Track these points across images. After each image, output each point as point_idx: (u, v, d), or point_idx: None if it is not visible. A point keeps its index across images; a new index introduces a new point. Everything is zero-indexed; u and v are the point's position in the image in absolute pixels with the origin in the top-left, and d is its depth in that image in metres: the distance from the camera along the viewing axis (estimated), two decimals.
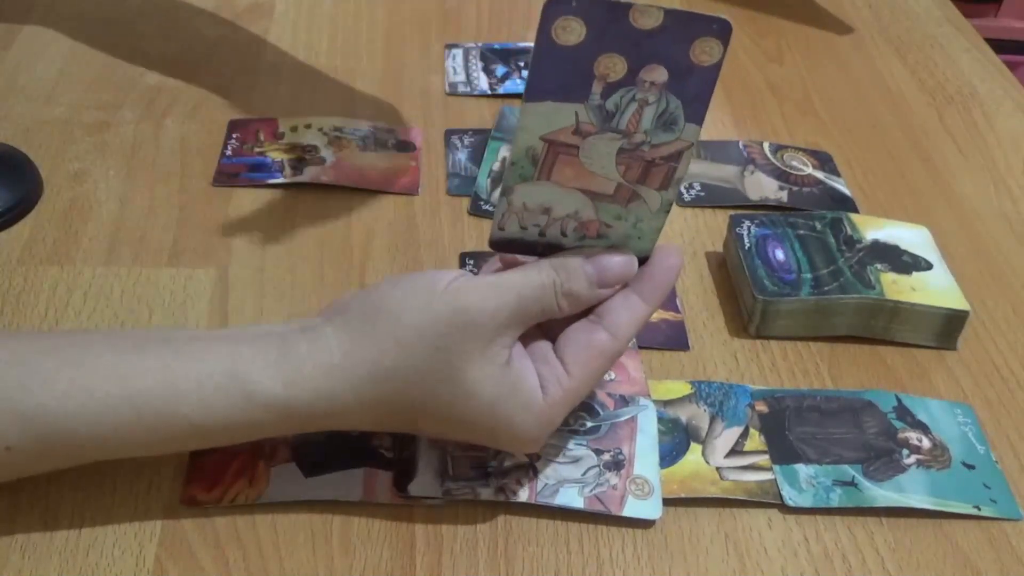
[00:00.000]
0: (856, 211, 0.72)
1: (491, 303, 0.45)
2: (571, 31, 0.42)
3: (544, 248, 0.49)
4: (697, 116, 0.45)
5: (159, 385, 0.45)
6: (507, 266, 0.49)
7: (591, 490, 0.51)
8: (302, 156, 0.72)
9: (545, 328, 0.49)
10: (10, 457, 0.45)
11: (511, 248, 0.49)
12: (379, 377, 0.45)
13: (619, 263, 0.48)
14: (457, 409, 0.46)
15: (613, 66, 0.43)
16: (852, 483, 0.53)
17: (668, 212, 0.48)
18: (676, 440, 0.55)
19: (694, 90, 0.44)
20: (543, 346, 0.48)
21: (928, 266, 0.63)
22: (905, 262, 0.63)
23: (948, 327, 0.62)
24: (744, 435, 0.55)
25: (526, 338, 0.48)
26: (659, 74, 0.43)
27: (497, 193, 0.70)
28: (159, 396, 0.45)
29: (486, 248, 0.50)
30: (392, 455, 0.52)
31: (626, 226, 0.48)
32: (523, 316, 0.46)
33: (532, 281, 0.47)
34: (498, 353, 0.46)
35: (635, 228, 0.48)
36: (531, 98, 0.44)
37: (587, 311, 0.49)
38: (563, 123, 0.45)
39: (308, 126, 0.75)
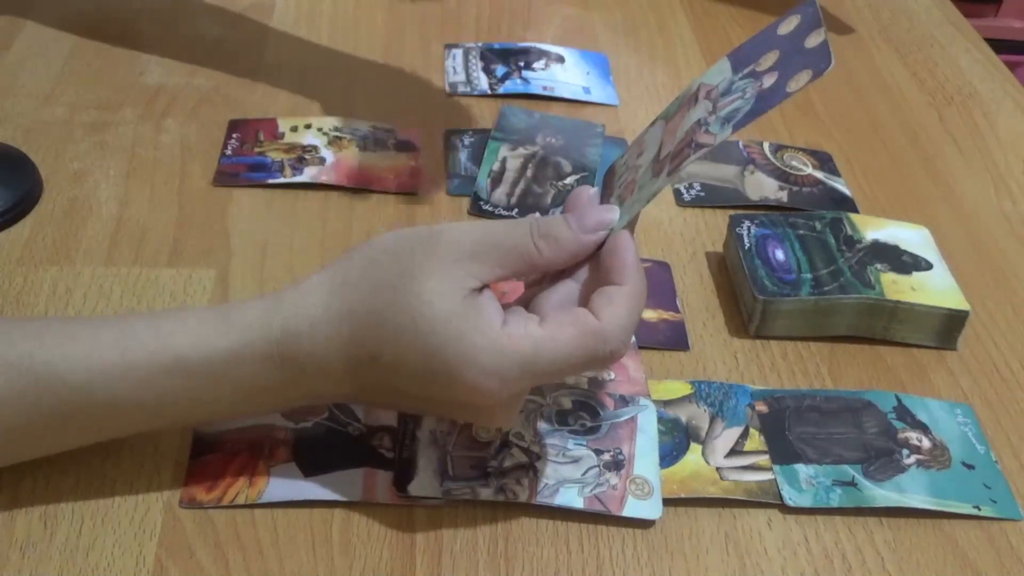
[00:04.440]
0: (856, 211, 0.72)
1: (459, 227, 0.46)
2: (790, 24, 0.47)
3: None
4: (741, 124, 0.45)
5: (145, 326, 0.47)
6: None
7: (591, 490, 0.51)
8: (302, 156, 0.72)
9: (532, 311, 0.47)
10: None
11: (605, 180, 0.51)
12: (346, 287, 0.46)
13: (597, 205, 0.48)
14: (413, 320, 0.44)
15: (767, 60, 0.46)
16: (852, 483, 0.53)
17: (658, 192, 0.47)
18: (676, 440, 0.55)
19: (763, 105, 0.45)
20: (520, 308, 0.47)
21: (928, 266, 0.64)
22: (905, 262, 0.63)
23: (948, 327, 0.62)
24: (744, 435, 0.55)
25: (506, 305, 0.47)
26: (770, 80, 0.45)
27: (497, 193, 0.70)
28: (145, 334, 0.46)
29: None
30: (392, 455, 0.52)
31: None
32: (494, 251, 0.46)
33: (508, 221, 0.47)
34: (462, 279, 0.45)
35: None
36: (729, 56, 0.49)
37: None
38: (716, 80, 0.48)
39: (308, 126, 0.75)
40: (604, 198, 0.50)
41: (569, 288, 0.47)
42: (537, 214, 0.48)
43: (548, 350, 0.45)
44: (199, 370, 0.46)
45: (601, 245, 0.47)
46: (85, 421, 0.47)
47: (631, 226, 0.47)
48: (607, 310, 0.45)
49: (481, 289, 0.46)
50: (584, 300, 0.47)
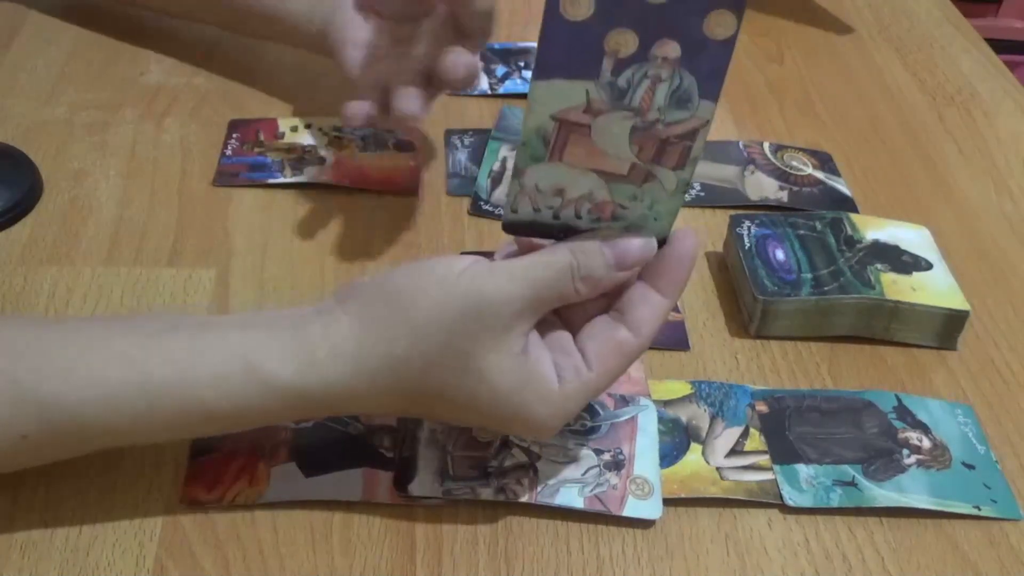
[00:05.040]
0: (856, 211, 0.72)
1: (505, 290, 0.45)
2: (579, 5, 0.41)
3: (559, 231, 0.47)
4: (712, 93, 0.43)
5: (173, 373, 0.45)
6: (523, 249, 0.48)
7: (591, 490, 0.51)
8: (302, 156, 0.72)
9: (565, 318, 0.48)
10: (26, 445, 0.45)
11: (525, 231, 0.48)
12: (393, 365, 0.45)
13: (637, 245, 0.47)
14: (472, 398, 0.45)
15: (624, 42, 0.42)
16: (852, 483, 0.53)
17: (685, 192, 0.46)
18: (676, 440, 0.55)
19: (708, 66, 0.43)
20: (563, 336, 0.48)
21: (928, 266, 0.63)
22: (905, 262, 0.63)
23: (948, 327, 0.62)
24: (744, 435, 0.55)
25: (544, 327, 0.47)
26: (671, 49, 0.42)
27: (498, 193, 0.70)
28: (173, 384, 0.45)
29: (486, 248, 0.50)
30: (392, 455, 0.52)
31: (642, 207, 0.47)
32: (539, 302, 0.46)
33: (548, 266, 0.46)
34: (514, 341, 0.45)
35: (651, 210, 0.47)
36: (540, 76, 0.43)
37: (606, 301, 0.48)
38: (573, 101, 0.43)
39: (308, 126, 0.75)
40: (525, 242, 0.48)
41: (609, 322, 0.48)
42: (570, 247, 0.47)
43: (602, 385, 0.47)
44: (226, 421, 0.46)
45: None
46: (106, 447, 0.48)
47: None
48: (648, 325, 0.47)
49: (527, 336, 0.46)
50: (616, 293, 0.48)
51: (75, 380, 0.44)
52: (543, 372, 0.46)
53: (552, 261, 0.46)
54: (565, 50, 0.42)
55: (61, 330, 0.47)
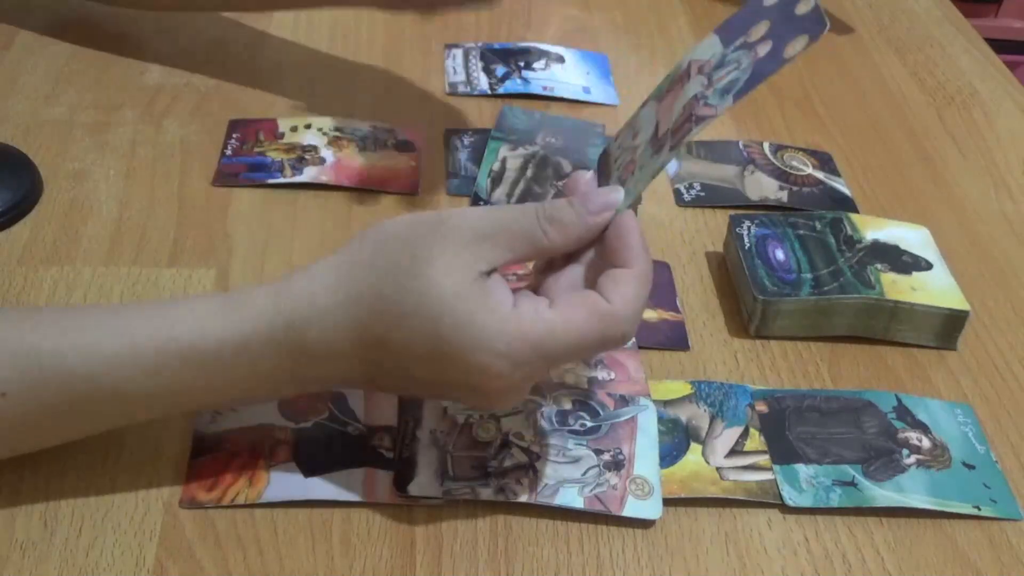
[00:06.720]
0: (856, 211, 0.72)
1: (467, 212, 0.47)
2: None
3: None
4: (742, 95, 0.46)
5: (152, 314, 0.47)
6: None
7: (591, 490, 0.51)
8: (302, 156, 0.72)
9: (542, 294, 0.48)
10: (7, 404, 0.45)
11: (601, 164, 0.51)
12: (354, 272, 0.46)
13: (600, 187, 0.48)
14: (421, 303, 0.44)
15: (758, 31, 0.46)
16: (852, 483, 0.53)
17: (663, 168, 0.48)
18: (676, 440, 0.55)
19: (761, 72, 0.45)
20: (530, 292, 0.48)
21: (928, 266, 0.64)
22: (905, 262, 0.63)
23: (948, 327, 0.62)
24: (744, 435, 0.55)
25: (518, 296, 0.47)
26: (765, 49, 0.46)
27: (498, 193, 0.70)
28: (152, 323, 0.46)
29: None
30: (392, 455, 0.52)
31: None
32: (502, 234, 0.46)
33: (515, 207, 0.47)
34: (471, 262, 0.45)
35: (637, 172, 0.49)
36: (717, 31, 0.48)
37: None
38: (707, 56, 0.48)
39: (308, 126, 0.75)
40: (601, 182, 0.50)
41: (576, 272, 0.47)
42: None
43: (560, 332, 0.45)
44: (206, 359, 0.46)
45: (607, 227, 0.47)
46: (92, 410, 0.47)
47: (634, 207, 0.47)
48: (616, 292, 0.45)
49: (490, 273, 0.46)
50: (591, 283, 0.47)
51: (54, 332, 0.46)
52: (497, 292, 0.45)
53: (520, 205, 0.47)
54: (743, 22, 0.47)
55: (37, 307, 0.49)
